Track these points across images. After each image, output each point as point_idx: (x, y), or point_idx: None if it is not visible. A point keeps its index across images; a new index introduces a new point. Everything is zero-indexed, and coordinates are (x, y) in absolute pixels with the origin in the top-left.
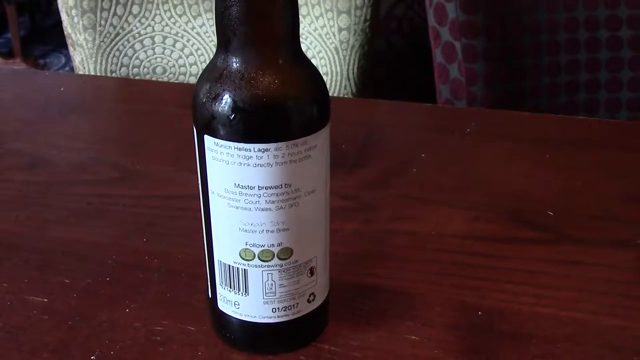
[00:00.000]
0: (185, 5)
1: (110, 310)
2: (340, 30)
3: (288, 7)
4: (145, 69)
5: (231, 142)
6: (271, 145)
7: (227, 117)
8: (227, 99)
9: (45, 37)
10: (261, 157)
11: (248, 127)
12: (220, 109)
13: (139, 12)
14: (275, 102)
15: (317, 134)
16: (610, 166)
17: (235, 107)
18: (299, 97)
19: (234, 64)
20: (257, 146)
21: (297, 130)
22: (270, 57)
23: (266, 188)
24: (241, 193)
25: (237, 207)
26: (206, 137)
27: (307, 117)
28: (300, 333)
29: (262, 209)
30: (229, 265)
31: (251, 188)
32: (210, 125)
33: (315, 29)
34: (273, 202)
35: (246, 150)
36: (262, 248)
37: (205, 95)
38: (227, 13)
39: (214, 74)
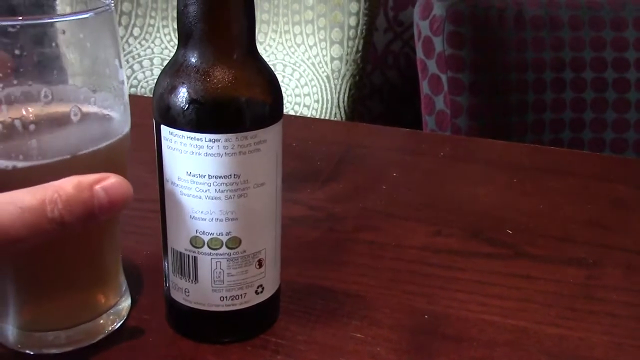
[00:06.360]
0: None
1: None
2: (332, 59)
3: (243, 6)
4: (142, 89)
5: (184, 132)
6: (221, 136)
7: (180, 108)
8: (181, 90)
9: None
10: (212, 147)
11: (199, 117)
12: (175, 100)
13: (140, 34)
14: (226, 95)
15: (267, 129)
16: (576, 193)
17: (188, 99)
18: (249, 92)
19: (191, 59)
20: (208, 136)
21: (247, 123)
22: (224, 53)
23: (216, 177)
24: (192, 181)
25: (188, 195)
26: (162, 127)
27: (256, 111)
28: (248, 324)
29: (212, 198)
30: (181, 253)
31: (202, 177)
32: (166, 116)
33: (309, 58)
34: (222, 191)
35: (198, 139)
36: (212, 236)
37: (163, 88)
38: (186, 10)
39: (173, 68)
